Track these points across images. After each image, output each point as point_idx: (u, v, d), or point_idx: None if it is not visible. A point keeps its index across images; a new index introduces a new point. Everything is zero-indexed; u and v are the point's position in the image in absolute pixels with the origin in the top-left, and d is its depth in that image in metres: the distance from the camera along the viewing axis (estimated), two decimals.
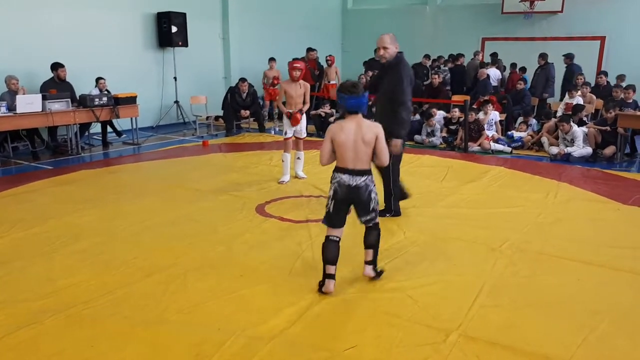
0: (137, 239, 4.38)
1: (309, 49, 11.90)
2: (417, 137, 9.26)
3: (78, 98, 8.28)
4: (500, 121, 9.43)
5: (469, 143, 8.45)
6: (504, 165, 7.27)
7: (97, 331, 2.91)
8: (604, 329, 2.97)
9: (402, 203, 5.09)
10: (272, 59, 11.44)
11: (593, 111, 9.51)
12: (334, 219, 3.39)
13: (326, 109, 10.37)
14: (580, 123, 8.40)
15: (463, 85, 11.69)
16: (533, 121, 9.31)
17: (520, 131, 9.02)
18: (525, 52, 12.60)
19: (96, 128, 8.95)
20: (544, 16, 13.02)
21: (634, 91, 8.50)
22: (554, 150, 7.96)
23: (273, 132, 10.47)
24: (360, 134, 3.27)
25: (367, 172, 3.33)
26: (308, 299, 3.27)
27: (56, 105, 7.67)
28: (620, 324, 3.03)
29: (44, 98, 7.55)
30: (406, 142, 9.06)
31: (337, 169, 3.35)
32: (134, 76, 9.99)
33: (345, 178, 3.30)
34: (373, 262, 3.53)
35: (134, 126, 8.96)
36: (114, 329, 2.94)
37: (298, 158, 6.49)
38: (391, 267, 3.80)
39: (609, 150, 7.74)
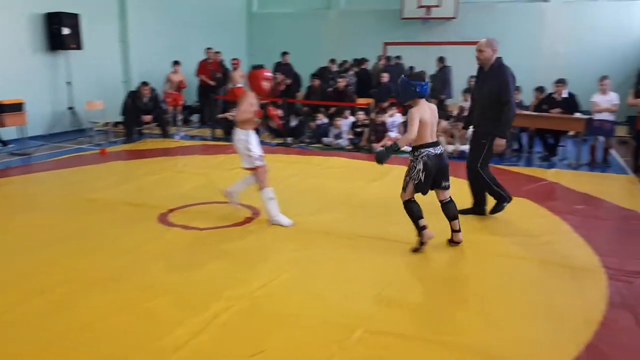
0: (29, 256, 4.03)
1: (208, 49, 11.71)
2: (324, 139, 9.42)
3: None
4: (403, 122, 9.84)
5: (374, 144, 8.74)
6: (406, 164, 7.57)
7: None
8: (498, 313, 3.19)
9: (305, 208, 5.18)
10: (176, 63, 11.06)
11: None
12: (424, 187, 4.05)
13: (234, 112, 10.20)
14: None
15: (368, 89, 12.03)
16: None
17: None
18: (424, 56, 13.27)
19: None
20: (440, 22, 13.81)
21: (520, 92, 9.24)
22: (450, 148, 8.46)
23: (177, 137, 10.13)
24: (433, 114, 4.06)
25: (439, 142, 4.15)
26: (214, 308, 3.19)
27: None
28: (511, 308, 3.27)
29: None
30: (314, 145, 9.26)
31: (421, 146, 3.99)
32: (22, 81, 9.18)
33: (431, 150, 4.00)
34: (460, 230, 4.20)
35: (23, 135, 8.26)
36: (3, 354, 2.70)
37: (271, 198, 4.81)
38: (301, 269, 3.82)
39: None
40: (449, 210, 4.19)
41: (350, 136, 9.29)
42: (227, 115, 10.17)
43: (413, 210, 4.10)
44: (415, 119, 3.91)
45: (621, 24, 12.76)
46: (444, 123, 9.09)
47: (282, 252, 4.16)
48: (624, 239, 4.56)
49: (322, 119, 9.76)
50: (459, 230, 4.21)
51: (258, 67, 4.83)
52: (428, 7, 13.37)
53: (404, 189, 4.13)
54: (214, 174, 6.90)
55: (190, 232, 4.62)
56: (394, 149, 3.99)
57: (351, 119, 9.64)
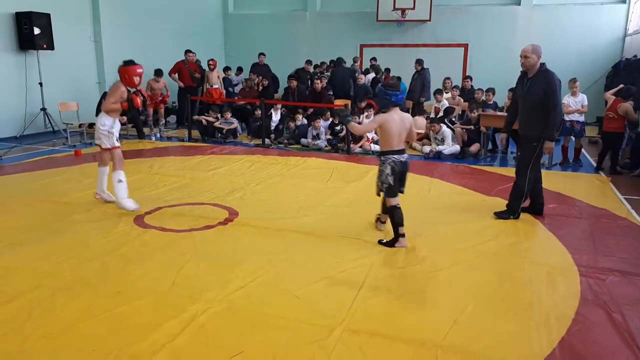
0: None
1: (187, 51, 11.61)
2: (303, 140, 9.41)
3: None
4: None
5: (351, 145, 8.77)
6: None
7: None
8: (471, 310, 3.23)
9: (284, 209, 5.16)
10: (159, 73, 10.74)
11: (460, 112, 10.36)
12: (394, 189, 4.31)
13: (212, 114, 10.12)
14: (451, 123, 9.11)
15: (344, 90, 12.05)
16: None
17: None
18: (399, 58, 13.41)
19: None
20: (414, 24, 13.96)
21: (494, 93, 9.40)
22: (427, 149, 8.55)
23: (153, 138, 10.02)
24: (402, 123, 4.27)
25: (404, 150, 4.36)
26: (191, 311, 3.16)
27: None
28: (484, 305, 3.32)
29: None
30: (293, 146, 9.26)
31: (388, 152, 4.28)
32: None
33: (396, 157, 4.27)
34: (386, 222, 4.58)
35: None
36: None
37: (119, 181, 5.11)
38: (280, 270, 3.82)
39: (474, 147, 8.48)
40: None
41: (329, 137, 9.31)
42: (202, 118, 10.08)
43: (395, 217, 4.33)
44: (374, 122, 4.31)
45: (590, 28, 13.10)
46: (423, 121, 9.26)
47: (261, 253, 4.13)
48: (596, 237, 4.66)
49: (300, 120, 9.76)
50: (385, 222, 4.64)
51: (130, 64, 5.12)
52: (403, 10, 13.48)
53: (386, 193, 4.35)
54: (190, 175, 6.83)
55: (168, 233, 4.56)
56: (344, 114, 4.60)
57: (330, 119, 9.67)
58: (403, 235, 4.31)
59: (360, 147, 8.86)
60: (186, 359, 2.69)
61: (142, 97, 5.25)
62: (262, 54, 12.70)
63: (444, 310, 3.23)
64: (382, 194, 4.43)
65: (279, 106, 10.22)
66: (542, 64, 4.88)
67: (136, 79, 5.10)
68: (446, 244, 4.40)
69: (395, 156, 4.26)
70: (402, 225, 4.31)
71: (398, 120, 4.24)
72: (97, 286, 3.51)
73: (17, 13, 9.45)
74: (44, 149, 8.72)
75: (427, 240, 4.49)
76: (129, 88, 5.19)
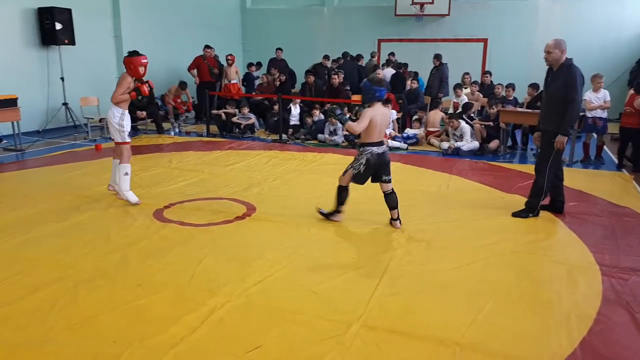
0: (19, 252, 4.01)
1: (206, 47, 11.68)
2: (320, 135, 9.41)
3: None
4: (397, 119, 9.85)
5: None
6: (400, 161, 7.59)
7: None
8: (490, 308, 3.20)
9: (302, 204, 5.16)
10: (184, 87, 10.98)
11: (479, 108, 10.25)
12: (362, 178, 4.57)
13: (229, 109, 10.18)
14: (470, 119, 9.02)
15: (351, 85, 11.98)
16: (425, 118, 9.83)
17: (415, 128, 9.49)
18: (417, 52, 13.31)
19: None
20: (433, 19, 13.82)
21: (514, 89, 9.28)
22: (445, 145, 8.48)
23: (172, 133, 10.11)
24: (385, 117, 4.58)
25: (383, 142, 4.62)
26: (210, 304, 3.19)
27: None
28: (503, 303, 3.29)
29: None
30: (310, 141, 9.26)
31: (368, 144, 4.50)
32: (14, 77, 9.11)
33: (375, 149, 4.49)
34: (399, 218, 4.67)
35: (16, 131, 8.20)
36: None
37: (126, 174, 5.28)
38: (298, 264, 3.83)
39: (494, 144, 8.38)
40: (390, 201, 4.68)
41: (345, 133, 9.29)
42: (222, 112, 10.14)
43: (342, 196, 4.71)
44: (367, 117, 4.40)
45: (613, 21, 12.80)
46: (438, 116, 9.21)
47: (278, 248, 4.15)
48: (618, 235, 4.58)
49: (317, 116, 9.75)
50: (397, 219, 4.68)
51: (135, 54, 5.21)
52: (421, 4, 13.37)
53: (344, 173, 4.64)
54: (208, 170, 6.89)
55: (186, 228, 4.61)
56: (337, 113, 4.63)
57: (347, 115, 9.62)
58: (340, 212, 4.73)
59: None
60: (205, 352, 2.72)
61: (148, 86, 5.31)
62: (279, 49, 12.71)
63: (462, 308, 3.21)
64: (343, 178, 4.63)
65: (298, 100, 10.27)
66: (569, 59, 4.79)
67: (141, 69, 5.18)
68: (464, 241, 4.37)
69: (375, 148, 4.49)
70: (343, 204, 4.71)
71: (382, 114, 4.52)
72: (117, 279, 3.57)
73: (39, 8, 9.60)
74: (65, 143, 8.86)
75: (445, 237, 4.46)
76: (135, 78, 5.25)
